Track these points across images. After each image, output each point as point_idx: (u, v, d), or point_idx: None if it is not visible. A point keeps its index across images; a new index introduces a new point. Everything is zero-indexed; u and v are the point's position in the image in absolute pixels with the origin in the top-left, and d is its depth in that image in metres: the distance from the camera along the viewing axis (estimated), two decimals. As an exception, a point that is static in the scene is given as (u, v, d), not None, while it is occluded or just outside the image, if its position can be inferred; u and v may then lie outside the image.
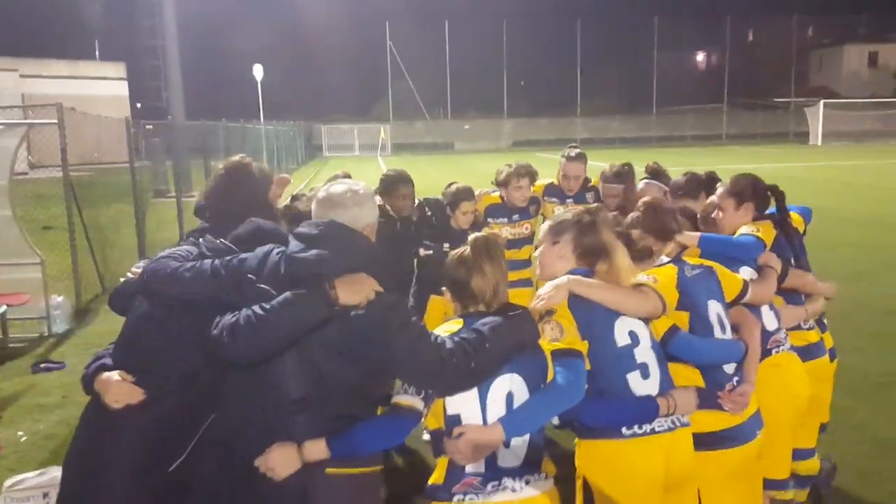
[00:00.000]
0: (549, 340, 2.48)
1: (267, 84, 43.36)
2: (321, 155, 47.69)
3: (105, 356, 2.57)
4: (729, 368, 2.88)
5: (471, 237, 2.60)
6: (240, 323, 2.21)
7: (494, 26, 58.12)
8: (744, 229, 3.36)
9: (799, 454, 3.47)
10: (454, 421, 2.34)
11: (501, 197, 5.29)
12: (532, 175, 5.21)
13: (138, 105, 46.45)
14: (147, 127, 20.88)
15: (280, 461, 2.21)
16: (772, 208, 3.58)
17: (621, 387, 2.55)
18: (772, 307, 3.30)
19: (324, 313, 2.23)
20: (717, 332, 2.85)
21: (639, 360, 2.59)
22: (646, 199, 3.23)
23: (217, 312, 2.29)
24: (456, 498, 2.30)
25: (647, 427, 2.52)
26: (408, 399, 2.33)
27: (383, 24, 57.15)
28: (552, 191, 5.42)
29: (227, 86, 60.19)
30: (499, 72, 58.58)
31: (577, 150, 5.38)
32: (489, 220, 5.24)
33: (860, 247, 11.94)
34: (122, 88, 42.42)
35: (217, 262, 2.38)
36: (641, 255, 2.92)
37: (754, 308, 3.14)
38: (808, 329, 3.52)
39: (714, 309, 2.87)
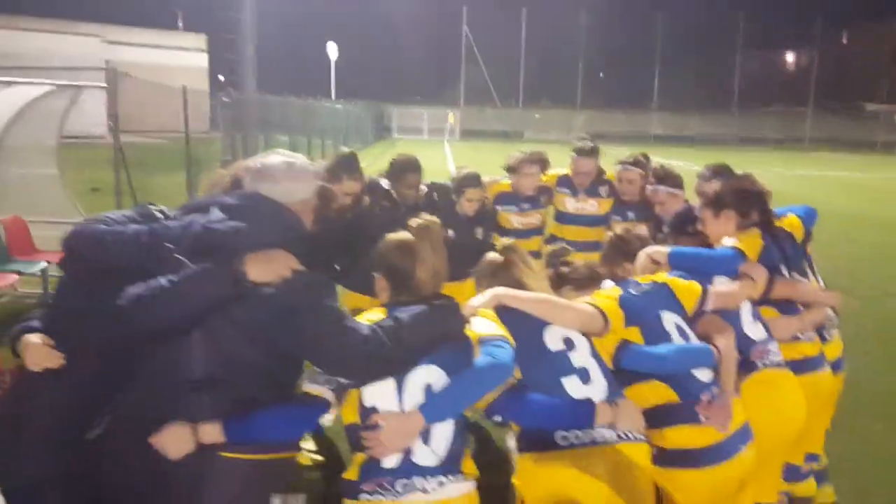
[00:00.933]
0: (476, 331, 2.39)
1: (340, 63, 43.66)
2: (390, 136, 47.74)
3: (35, 318, 2.47)
4: (703, 376, 2.67)
5: (412, 222, 2.50)
6: (143, 294, 2.09)
7: (573, 16, 57.14)
8: (725, 241, 3.15)
9: (790, 474, 3.21)
10: (370, 413, 2.24)
11: (511, 184, 5.15)
12: (543, 163, 5.08)
13: (221, 77, 47.44)
14: (224, 100, 21.30)
15: (173, 441, 2.11)
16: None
17: (556, 392, 2.41)
18: (755, 316, 3.05)
19: (229, 289, 2.11)
20: (678, 340, 2.67)
21: (576, 364, 2.48)
22: (610, 235, 3.18)
23: (140, 281, 2.15)
24: (362, 497, 2.19)
25: (585, 437, 2.34)
26: (316, 388, 2.26)
27: (460, 9, 56.77)
28: (565, 182, 5.26)
29: (302, 63, 60.89)
30: (574, 62, 57.56)
31: (590, 145, 5.18)
32: (498, 207, 5.11)
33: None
34: (203, 60, 43.41)
35: (143, 228, 2.27)
36: (583, 284, 2.87)
37: (732, 317, 2.93)
38: (806, 340, 3.22)
39: (669, 318, 2.70)
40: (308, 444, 4.13)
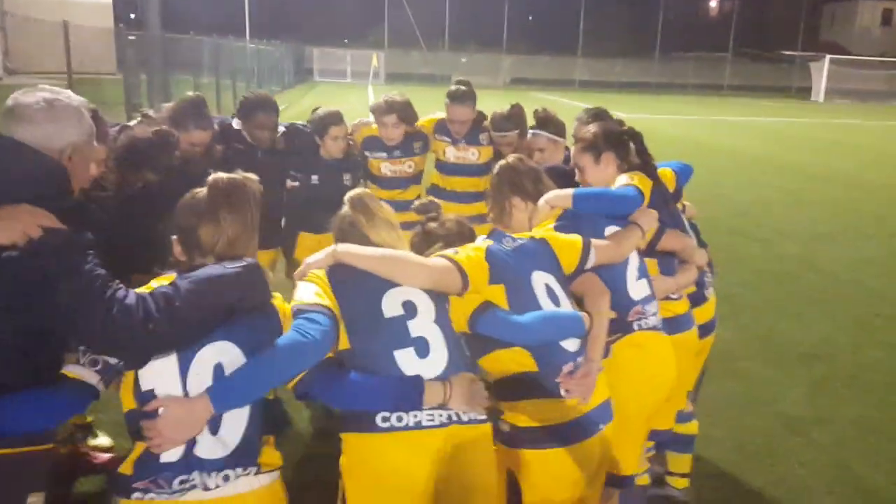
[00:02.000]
0: (295, 300, 2.17)
1: (257, 2, 41.60)
2: (311, 79, 46.31)
3: None
4: (569, 346, 2.45)
5: (211, 178, 2.19)
6: None
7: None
8: (621, 179, 2.97)
9: (656, 436, 3.20)
10: (149, 398, 1.94)
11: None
12: (401, 112, 4.62)
13: (132, 16, 44.81)
14: (129, 38, 20.03)
15: None
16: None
17: (387, 365, 2.15)
18: (642, 272, 2.87)
19: None
20: (546, 305, 2.43)
21: (413, 333, 2.21)
22: (500, 164, 2.93)
23: None
24: (135, 496, 1.89)
25: (410, 419, 2.10)
26: (77, 370, 1.95)
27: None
28: (442, 129, 4.90)
29: (216, 1, 58.03)
30: (500, 5, 56.78)
31: (462, 90, 4.76)
32: (367, 153, 4.76)
33: (833, 208, 11.64)
34: (107, -4, 40.79)
35: None
36: (452, 240, 2.59)
37: (616, 273, 2.76)
38: (676, 299, 3.12)
39: (541, 279, 2.47)
40: (100, 439, 3.82)
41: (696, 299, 3.34)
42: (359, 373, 2.14)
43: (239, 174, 2.24)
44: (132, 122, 3.53)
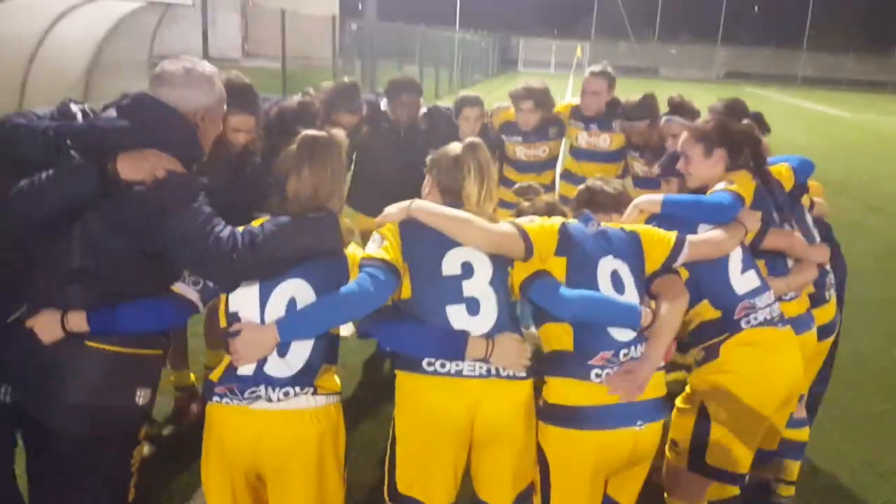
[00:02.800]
0: (364, 252, 2.40)
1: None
2: (514, 69, 46.72)
3: None
4: (619, 335, 2.41)
5: (300, 134, 2.47)
6: (23, 187, 2.16)
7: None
8: (718, 185, 2.88)
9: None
10: (234, 319, 2.30)
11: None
12: (538, 98, 4.71)
13: (359, 7, 47.76)
14: (352, 27, 21.41)
15: (43, 326, 2.19)
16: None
17: (439, 318, 2.34)
18: (748, 264, 2.77)
19: (94, 186, 2.15)
20: (605, 288, 2.44)
21: (467, 293, 2.37)
22: (588, 184, 2.93)
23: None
24: (215, 399, 2.27)
25: (452, 367, 2.30)
26: (182, 287, 2.35)
27: (598, -65, 53.95)
28: (577, 114, 4.92)
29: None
30: (719, -6, 53.75)
31: (600, 67, 4.86)
32: (504, 136, 4.89)
33: None
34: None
35: (52, 124, 2.27)
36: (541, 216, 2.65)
37: (717, 268, 2.70)
38: (790, 300, 2.96)
39: (610, 265, 2.48)
40: None
41: (815, 300, 3.15)
42: (411, 320, 2.36)
43: (327, 131, 2.51)
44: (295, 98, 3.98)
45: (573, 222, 2.57)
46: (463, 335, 2.31)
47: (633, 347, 2.43)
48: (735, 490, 2.88)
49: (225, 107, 2.55)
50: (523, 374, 2.38)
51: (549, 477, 2.44)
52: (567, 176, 5.15)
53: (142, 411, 2.36)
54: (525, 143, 4.90)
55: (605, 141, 4.90)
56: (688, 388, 2.81)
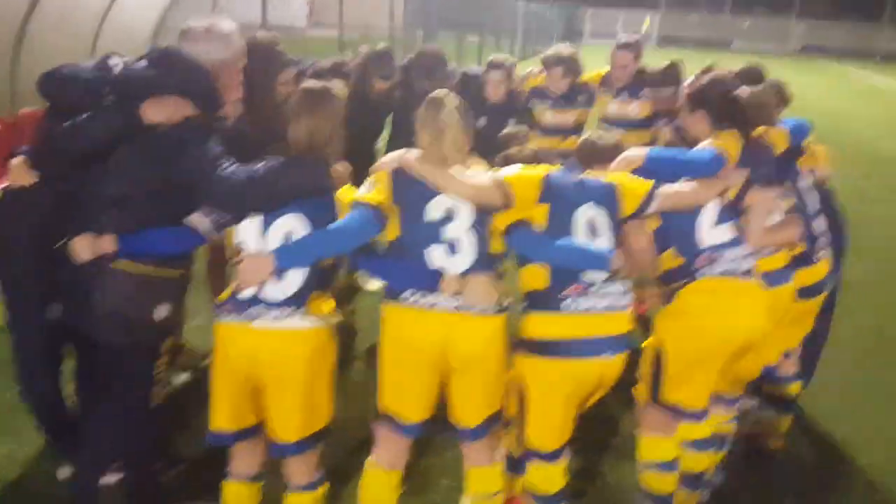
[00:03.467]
0: (356, 194, 2.67)
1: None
2: (580, 40, 45.81)
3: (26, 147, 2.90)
4: (594, 277, 2.67)
5: (302, 85, 2.80)
6: (66, 126, 2.56)
7: None
8: (704, 142, 3.04)
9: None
10: (239, 248, 2.64)
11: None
12: (567, 64, 4.86)
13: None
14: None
15: (79, 246, 2.58)
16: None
17: (420, 257, 2.63)
18: (724, 219, 2.93)
19: (123, 125, 2.53)
20: (580, 235, 2.69)
21: (448, 235, 2.64)
22: (587, 136, 3.16)
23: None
24: (221, 317, 2.63)
25: (427, 300, 2.59)
26: (196, 217, 2.68)
27: None
28: (607, 82, 5.06)
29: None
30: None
31: (628, 38, 4.97)
32: (533, 100, 5.02)
33: None
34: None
35: (94, 73, 2.66)
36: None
37: (686, 217, 2.89)
38: (767, 255, 3.11)
39: (587, 213, 2.71)
40: None
41: (801, 260, 3.27)
42: (397, 258, 2.66)
43: (327, 83, 2.80)
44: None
45: (556, 170, 2.78)
46: (434, 272, 2.60)
47: (604, 286, 2.67)
48: (704, 429, 3.03)
49: (243, 63, 2.87)
50: (495, 308, 2.62)
51: (528, 403, 2.70)
52: None
53: (160, 326, 2.71)
54: (554, 107, 5.05)
55: (634, 109, 5.01)
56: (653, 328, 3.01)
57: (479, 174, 2.73)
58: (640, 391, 3.02)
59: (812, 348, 3.77)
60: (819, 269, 3.41)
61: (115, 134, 2.55)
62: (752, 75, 3.77)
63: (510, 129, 3.34)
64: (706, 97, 3.15)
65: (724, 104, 3.10)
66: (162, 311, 2.69)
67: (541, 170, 2.78)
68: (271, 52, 3.57)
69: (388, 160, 2.75)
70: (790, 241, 3.20)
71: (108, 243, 2.57)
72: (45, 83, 2.73)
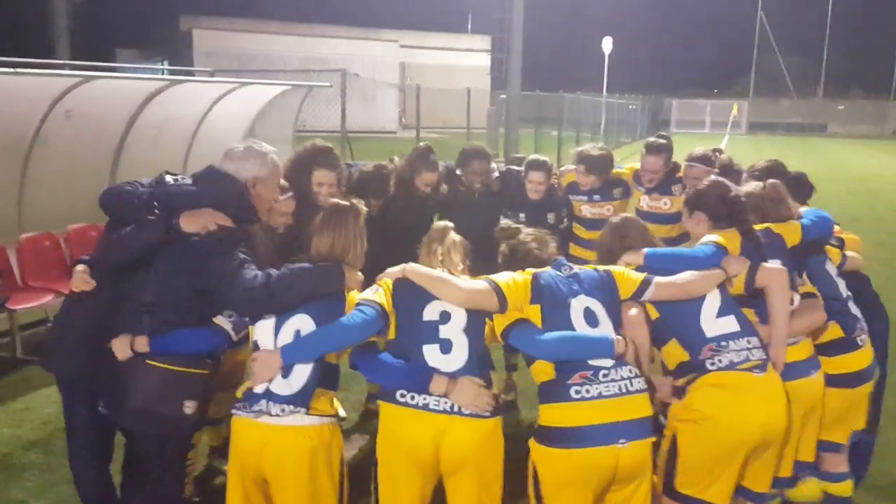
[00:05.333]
0: (365, 294, 2.80)
1: (616, 57, 42.58)
2: (667, 130, 45.84)
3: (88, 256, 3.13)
4: (600, 363, 2.64)
5: (329, 202, 3.02)
6: (114, 238, 2.83)
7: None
8: (706, 238, 3.07)
9: (776, 483, 3.04)
10: (255, 346, 2.76)
11: None
12: (588, 163, 4.88)
13: (503, 76, 49.47)
14: (501, 97, 22.10)
15: (118, 347, 2.77)
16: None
17: (416, 355, 2.69)
18: (728, 310, 2.86)
19: (158, 236, 2.75)
20: (579, 326, 2.70)
21: (442, 335, 2.71)
22: (618, 218, 3.29)
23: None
24: (234, 412, 2.70)
25: (420, 400, 2.62)
26: (219, 319, 2.85)
27: (755, -7, 52.48)
28: (638, 179, 5.07)
29: (574, 59, 60.84)
30: (890, 47, 50.23)
31: (660, 142, 4.94)
32: (570, 196, 5.08)
33: None
34: (485, 60, 45.36)
35: (147, 190, 2.86)
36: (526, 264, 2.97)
37: (688, 308, 2.85)
38: (789, 345, 2.97)
39: (582, 303, 2.75)
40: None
41: (845, 345, 3.15)
42: (388, 356, 2.71)
43: (350, 200, 3.00)
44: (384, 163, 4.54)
45: (545, 270, 2.83)
46: (429, 372, 2.64)
47: (612, 370, 2.63)
48: None
49: (278, 178, 3.12)
50: (486, 414, 2.63)
51: (541, 492, 2.67)
52: None
53: (190, 420, 2.85)
54: (590, 202, 5.13)
55: (665, 204, 5.08)
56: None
57: (473, 280, 2.85)
58: (656, 479, 2.88)
59: (863, 444, 3.49)
60: (864, 355, 3.23)
61: (154, 244, 2.76)
62: (775, 171, 3.80)
63: (503, 224, 3.37)
64: (703, 200, 3.21)
65: (721, 205, 3.16)
66: (191, 406, 2.84)
67: (529, 272, 2.83)
68: (303, 161, 3.85)
69: (392, 272, 2.86)
70: (816, 325, 3.10)
71: (141, 344, 2.74)
72: (103, 199, 3.01)
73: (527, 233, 3.13)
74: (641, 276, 2.84)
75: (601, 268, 2.90)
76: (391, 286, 2.82)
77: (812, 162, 24.95)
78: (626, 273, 2.87)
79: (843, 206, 12.90)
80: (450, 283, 2.75)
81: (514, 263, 2.97)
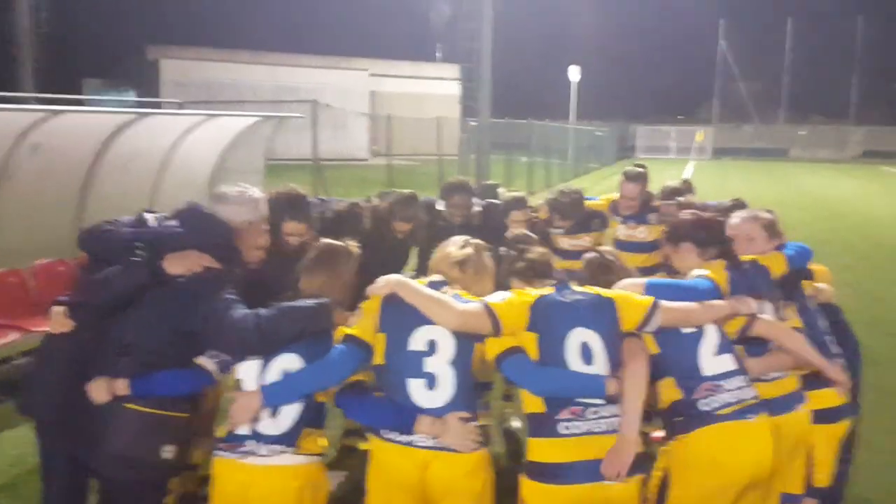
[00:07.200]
0: (349, 324, 2.73)
1: (583, 84, 43.29)
2: (633, 156, 46.57)
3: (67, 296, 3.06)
4: (588, 400, 2.59)
5: (320, 243, 3.00)
6: (96, 279, 2.77)
7: (848, 23, 51.53)
8: (696, 271, 3.07)
9: None
10: (237, 386, 2.72)
11: None
12: (554, 206, 5.09)
13: (473, 104, 49.82)
14: (471, 124, 22.33)
15: (95, 390, 2.70)
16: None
17: (400, 389, 2.63)
18: (724, 349, 2.83)
19: (145, 279, 2.71)
20: (575, 363, 2.61)
21: (427, 369, 2.63)
22: (589, 256, 3.22)
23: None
24: (217, 453, 2.66)
25: (405, 438, 2.58)
26: (202, 360, 2.79)
27: (715, 23, 53.87)
28: (615, 209, 5.27)
29: (542, 87, 61.69)
30: (847, 73, 51.76)
31: (637, 170, 5.16)
32: (549, 229, 5.17)
33: None
34: (455, 88, 45.71)
35: (129, 230, 2.85)
36: (527, 276, 2.97)
37: (687, 342, 2.81)
38: (771, 381, 3.00)
39: (579, 336, 2.64)
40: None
41: (819, 381, 3.11)
42: (372, 396, 2.68)
43: (343, 242, 3.00)
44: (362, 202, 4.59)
45: (548, 294, 2.75)
46: (413, 413, 2.58)
47: (602, 407, 2.59)
48: None
49: (265, 224, 3.14)
50: (472, 447, 2.59)
51: None
52: None
53: (168, 464, 2.78)
54: (568, 234, 5.22)
55: (642, 233, 5.23)
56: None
57: (467, 301, 2.77)
58: None
59: (839, 473, 3.42)
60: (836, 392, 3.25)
61: (138, 286, 2.73)
62: (736, 209, 3.86)
63: (515, 234, 3.40)
64: (685, 230, 3.23)
65: (702, 231, 3.21)
66: (170, 451, 2.77)
67: (531, 295, 2.73)
68: (277, 206, 3.61)
69: (381, 285, 2.75)
70: (791, 365, 3.08)
71: (121, 387, 2.68)
72: (85, 239, 2.96)
73: (536, 250, 3.14)
74: (648, 299, 2.76)
75: (604, 293, 2.79)
76: (378, 307, 2.73)
77: (777, 187, 25.51)
78: (630, 297, 2.77)
79: (809, 231, 13.13)
80: (442, 304, 2.66)
81: (529, 275, 2.94)
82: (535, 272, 2.94)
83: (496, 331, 2.63)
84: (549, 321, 2.65)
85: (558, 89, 51.10)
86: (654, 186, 5.35)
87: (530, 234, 3.42)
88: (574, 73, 41.96)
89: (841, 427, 3.22)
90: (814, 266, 3.59)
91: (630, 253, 5.16)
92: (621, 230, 5.28)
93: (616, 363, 2.65)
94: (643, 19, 68.65)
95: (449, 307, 2.64)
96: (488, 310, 2.64)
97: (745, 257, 3.18)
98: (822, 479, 3.24)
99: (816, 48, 53.61)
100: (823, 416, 3.11)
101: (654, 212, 5.13)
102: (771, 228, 3.40)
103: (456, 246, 2.94)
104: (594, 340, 2.64)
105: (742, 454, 2.69)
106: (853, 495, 3.78)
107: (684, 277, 3.12)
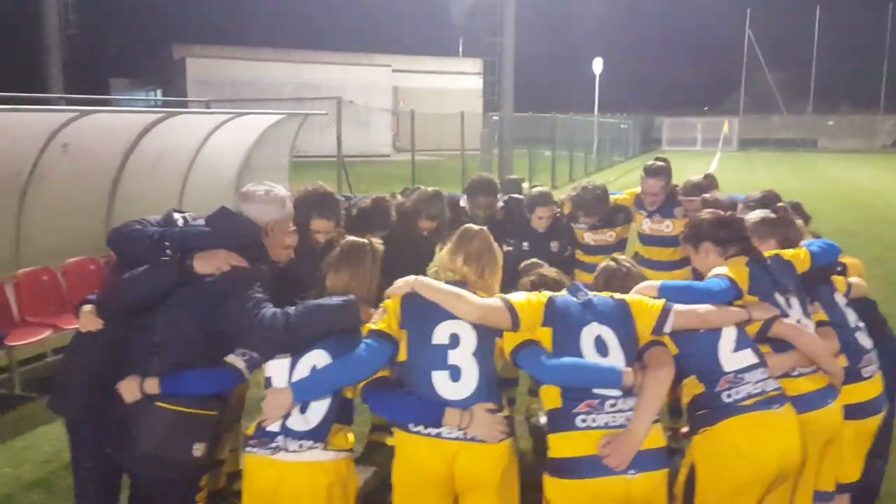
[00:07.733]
0: (372, 322, 2.76)
1: (606, 78, 42.93)
2: (658, 148, 46.11)
3: (95, 294, 3.10)
4: (604, 392, 2.61)
5: (344, 240, 3.00)
6: (124, 278, 2.79)
7: (878, 10, 50.55)
8: (715, 270, 3.04)
9: None
10: (267, 383, 2.75)
11: None
12: (577, 203, 4.99)
13: (495, 98, 49.78)
14: (493, 118, 22.33)
15: (126, 389, 2.73)
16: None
17: (425, 382, 2.66)
18: (744, 343, 2.82)
19: (174, 278, 2.74)
20: (590, 355, 2.64)
21: (451, 361, 2.67)
22: (602, 265, 3.20)
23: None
24: (248, 449, 2.70)
25: (432, 430, 2.61)
26: (232, 358, 2.80)
27: (742, 12, 53.13)
28: (640, 202, 5.15)
29: (565, 80, 61.37)
30: (878, 61, 50.77)
31: (658, 164, 5.04)
32: (572, 224, 5.14)
33: None
34: (478, 83, 45.66)
35: (157, 230, 2.86)
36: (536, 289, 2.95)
37: (707, 340, 2.80)
38: (797, 376, 2.95)
39: (594, 331, 2.69)
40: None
41: (848, 376, 3.06)
42: (399, 391, 2.70)
43: (367, 238, 3.02)
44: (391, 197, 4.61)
45: (562, 294, 2.80)
46: (440, 406, 2.61)
47: (620, 400, 2.60)
48: None
49: (290, 222, 3.15)
50: (499, 439, 2.62)
51: None
52: (637, 259, 5.25)
53: (199, 462, 2.81)
54: (591, 229, 5.17)
55: (667, 227, 5.14)
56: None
57: (486, 297, 2.80)
58: None
59: (872, 474, 3.42)
60: (871, 386, 3.19)
61: (167, 285, 2.75)
62: (768, 199, 3.82)
63: (525, 263, 3.47)
64: (704, 229, 3.17)
65: (721, 229, 3.14)
66: (200, 449, 2.81)
67: (545, 294, 2.79)
68: (305, 204, 3.67)
69: (401, 284, 2.80)
70: (833, 352, 3.05)
71: (152, 386, 2.70)
72: (114, 238, 2.99)
73: (548, 268, 3.20)
74: (660, 302, 2.77)
75: (617, 296, 2.83)
76: (399, 305, 2.77)
77: (804, 178, 25.15)
78: (643, 301, 2.80)
79: (837, 223, 12.95)
80: (463, 298, 2.70)
81: (539, 286, 2.96)
82: (547, 287, 2.96)
83: (514, 325, 2.66)
84: (563, 317, 2.69)
85: (582, 82, 50.74)
86: (680, 179, 5.25)
87: (537, 261, 3.48)
88: (597, 66, 41.68)
89: (872, 423, 3.17)
90: (846, 259, 3.54)
91: (656, 247, 5.16)
92: (646, 224, 5.22)
93: (631, 359, 2.65)
94: (668, 10, 67.87)
95: (469, 301, 2.68)
96: (507, 305, 2.68)
97: (769, 252, 3.13)
98: (850, 474, 3.21)
99: (845, 37, 52.77)
100: (853, 412, 3.06)
101: (680, 206, 5.05)
102: (771, 224, 3.38)
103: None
104: (609, 335, 2.68)
105: (768, 444, 2.67)
106: (887, 493, 3.74)
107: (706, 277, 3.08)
